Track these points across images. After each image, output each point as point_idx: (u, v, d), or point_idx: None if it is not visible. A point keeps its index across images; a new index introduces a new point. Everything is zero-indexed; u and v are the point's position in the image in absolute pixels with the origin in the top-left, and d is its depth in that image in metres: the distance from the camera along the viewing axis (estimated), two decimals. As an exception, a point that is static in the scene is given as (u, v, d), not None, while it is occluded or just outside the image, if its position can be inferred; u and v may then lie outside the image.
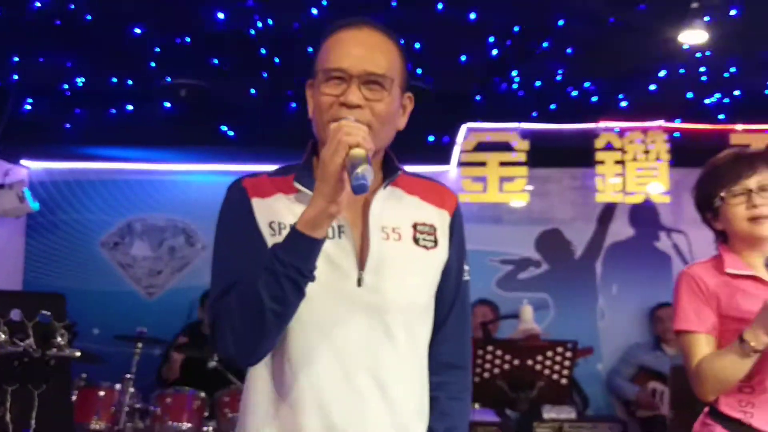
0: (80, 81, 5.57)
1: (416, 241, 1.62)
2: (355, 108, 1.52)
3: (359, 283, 1.55)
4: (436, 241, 1.64)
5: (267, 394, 1.57)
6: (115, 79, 5.56)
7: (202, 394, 4.73)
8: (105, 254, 6.27)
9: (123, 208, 6.32)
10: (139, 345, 4.74)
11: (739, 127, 5.83)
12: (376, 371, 1.55)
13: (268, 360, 1.57)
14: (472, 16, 4.53)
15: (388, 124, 1.59)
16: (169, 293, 6.21)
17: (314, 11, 4.53)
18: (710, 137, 5.87)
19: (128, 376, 4.54)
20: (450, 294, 1.68)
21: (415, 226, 1.63)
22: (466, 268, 1.72)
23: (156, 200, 6.32)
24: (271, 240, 1.55)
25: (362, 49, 1.56)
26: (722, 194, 2.15)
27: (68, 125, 5.93)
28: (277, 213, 1.58)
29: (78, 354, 3.10)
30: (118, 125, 5.92)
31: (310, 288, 1.48)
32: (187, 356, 5.16)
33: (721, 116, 5.88)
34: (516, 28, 4.69)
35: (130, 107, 5.85)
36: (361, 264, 1.56)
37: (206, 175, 6.30)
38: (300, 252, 1.45)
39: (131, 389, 4.50)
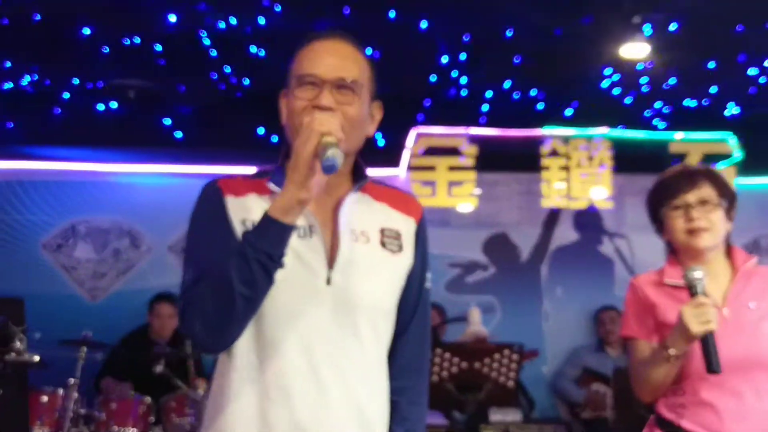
0: (25, 80, 5.45)
1: (383, 244, 1.67)
2: (327, 110, 1.58)
3: (328, 281, 1.59)
4: (401, 247, 1.70)
5: (235, 388, 1.60)
6: (61, 79, 5.45)
7: (148, 399, 4.67)
8: (47, 256, 6.13)
9: (66, 210, 6.17)
10: (84, 349, 4.66)
11: (678, 135, 6.03)
12: (342, 368, 1.60)
13: (238, 353, 1.60)
14: (424, 24, 4.58)
15: (358, 128, 1.64)
16: (114, 296, 6.10)
17: (265, 17, 4.53)
18: (651, 145, 6.06)
19: (72, 380, 4.46)
20: (412, 300, 1.73)
21: (382, 230, 1.68)
22: (428, 275, 1.79)
23: (101, 202, 6.18)
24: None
25: (334, 58, 1.63)
26: (667, 206, 2.26)
27: (11, 124, 5.80)
28: (251, 211, 1.62)
29: (37, 359, 3.04)
30: (63, 125, 5.81)
31: (280, 284, 1.53)
32: (132, 360, 5.09)
33: (662, 125, 6.08)
34: (466, 37, 4.76)
35: (74, 107, 5.75)
36: (330, 263, 1.60)
37: (152, 177, 6.20)
38: (270, 237, 1.50)
39: (75, 394, 4.42)
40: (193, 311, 1.54)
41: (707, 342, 2.05)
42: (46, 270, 6.07)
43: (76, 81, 5.54)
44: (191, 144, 6.00)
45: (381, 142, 5.85)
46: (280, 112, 1.69)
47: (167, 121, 5.89)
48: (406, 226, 1.72)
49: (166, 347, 5.19)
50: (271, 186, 1.64)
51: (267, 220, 1.50)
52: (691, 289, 2.11)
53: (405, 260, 1.70)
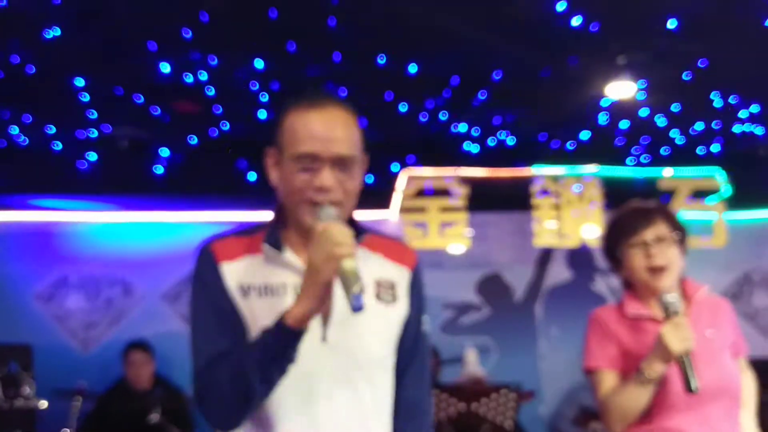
0: (15, 130, 5.47)
1: (378, 296, 1.70)
2: (329, 191, 1.61)
3: (323, 338, 1.63)
4: (395, 297, 1.72)
5: None
6: (51, 129, 5.48)
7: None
8: (40, 307, 6.08)
9: (58, 260, 6.15)
10: (79, 399, 4.62)
11: (667, 172, 6.10)
12: (342, 423, 1.63)
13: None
14: (413, 69, 4.65)
15: (355, 195, 1.68)
16: (106, 345, 6.04)
17: (259, 63, 4.58)
18: (640, 182, 6.12)
19: (66, 430, 4.42)
20: (409, 345, 1.76)
21: (377, 282, 1.71)
22: (425, 318, 1.81)
23: (92, 251, 6.17)
24: (242, 302, 1.64)
25: (330, 132, 1.62)
26: (625, 244, 2.28)
27: (1, 175, 5.80)
28: (247, 275, 1.66)
29: (45, 405, 3.04)
30: (53, 175, 5.82)
31: None
32: (126, 411, 5.02)
33: (649, 162, 6.16)
34: (455, 80, 4.83)
35: (65, 157, 5.77)
36: (325, 320, 1.63)
37: (142, 225, 6.20)
38: (288, 343, 1.55)
39: (69, 445, 4.38)
40: (211, 397, 1.61)
41: (685, 362, 2.09)
42: (38, 320, 6.02)
43: (65, 132, 5.55)
44: (182, 192, 6.01)
45: (372, 184, 5.88)
46: (266, 169, 1.70)
47: (158, 169, 5.91)
48: (400, 275, 1.75)
49: (157, 393, 5.12)
50: (266, 248, 1.67)
51: (284, 329, 1.54)
52: (668, 311, 2.15)
53: (400, 310, 1.73)
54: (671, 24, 4.12)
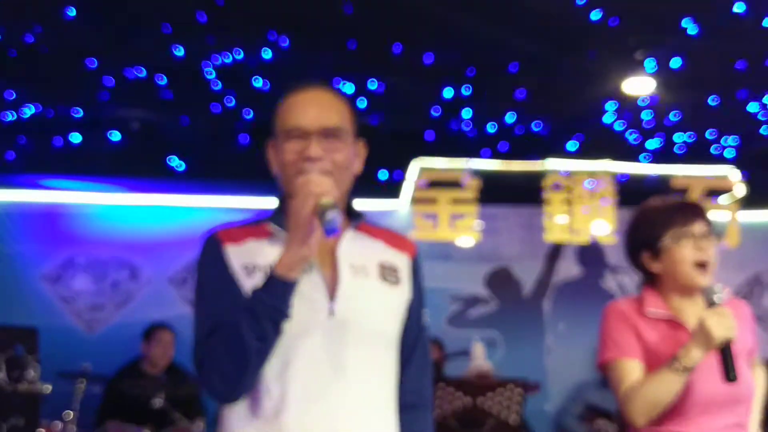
0: (28, 111, 5.46)
1: (383, 277, 1.74)
2: (317, 160, 1.66)
3: (330, 313, 1.64)
4: (399, 280, 1.76)
5: (245, 426, 1.63)
6: (63, 110, 5.47)
7: (148, 432, 4.63)
8: (46, 288, 6.09)
9: (66, 241, 6.15)
10: (83, 381, 4.62)
11: (680, 170, 6.05)
12: (350, 399, 1.63)
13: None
14: (428, 60, 4.62)
15: (346, 171, 1.73)
16: (112, 328, 6.05)
17: (271, 51, 4.56)
18: (653, 180, 6.07)
19: (70, 413, 4.42)
20: (412, 334, 1.79)
21: (380, 265, 1.75)
22: (425, 310, 1.86)
23: (100, 233, 6.17)
24: (246, 281, 1.66)
25: (317, 108, 1.71)
26: (673, 235, 2.21)
27: (11, 155, 5.79)
28: (251, 256, 1.69)
29: (49, 388, 3.03)
30: (65, 156, 5.81)
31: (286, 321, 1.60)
32: (130, 394, 5.03)
33: (663, 160, 6.10)
34: (471, 71, 4.79)
35: (76, 138, 5.76)
36: (332, 295, 1.66)
37: (152, 208, 6.20)
38: (278, 293, 1.58)
39: (74, 427, 4.38)
40: (210, 365, 1.61)
41: (726, 350, 2.06)
42: (44, 301, 6.03)
43: (78, 113, 5.54)
44: (192, 175, 6.00)
45: (384, 175, 5.86)
46: (268, 162, 1.76)
47: (169, 153, 5.90)
48: (401, 261, 1.80)
49: (163, 379, 5.14)
50: (273, 227, 1.72)
51: (273, 278, 1.58)
52: (711, 299, 2.11)
53: (403, 293, 1.77)
54: (689, 21, 4.08)
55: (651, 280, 2.29)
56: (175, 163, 5.95)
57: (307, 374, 1.61)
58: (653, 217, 2.27)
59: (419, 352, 1.80)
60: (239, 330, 1.56)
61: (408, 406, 1.76)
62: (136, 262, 6.17)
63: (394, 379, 1.74)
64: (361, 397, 1.65)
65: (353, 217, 1.77)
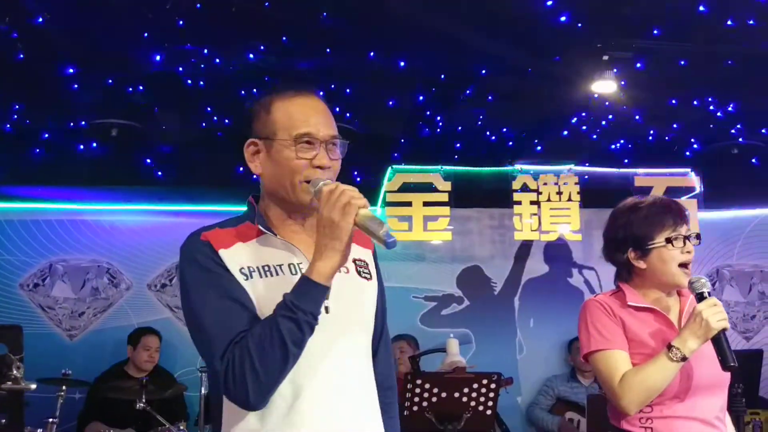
0: (5, 119, 5.47)
1: (359, 273, 1.85)
2: (326, 169, 1.74)
3: (326, 310, 1.70)
4: (371, 274, 1.89)
5: (257, 425, 1.68)
6: (39, 118, 5.48)
7: (133, 436, 4.68)
8: (24, 296, 6.09)
9: (44, 249, 6.15)
10: (64, 388, 4.64)
11: (642, 171, 6.26)
12: (351, 390, 1.75)
13: None
14: (400, 65, 4.75)
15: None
16: (92, 335, 6.07)
17: (251, 56, 4.64)
18: (616, 180, 6.28)
19: (51, 420, 4.42)
20: (380, 321, 1.93)
21: (354, 261, 1.85)
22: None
23: (79, 240, 6.18)
24: (246, 284, 1.69)
25: (323, 116, 1.78)
26: (665, 237, 2.32)
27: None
28: (245, 259, 1.72)
29: (33, 387, 3.04)
30: (42, 164, 5.82)
31: None
32: (114, 397, 5.07)
33: (626, 161, 6.31)
34: (442, 76, 4.93)
35: (54, 146, 5.77)
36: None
37: (130, 215, 6.24)
38: (316, 300, 1.63)
39: (55, 432, 4.39)
40: (242, 373, 1.59)
41: (721, 338, 2.18)
42: (23, 309, 6.02)
43: (54, 121, 5.56)
44: (170, 183, 6.05)
45: (358, 179, 5.97)
46: (246, 160, 1.79)
47: (147, 161, 5.94)
48: (367, 256, 1.93)
49: (147, 381, 5.19)
50: (263, 229, 1.75)
51: (312, 284, 1.61)
52: (701, 292, 2.25)
53: (374, 286, 1.90)
54: (654, 23, 4.24)
55: (628, 275, 2.41)
56: (153, 170, 6.00)
57: (315, 369, 1.68)
58: (644, 218, 2.35)
59: (384, 338, 1.95)
60: (282, 337, 1.57)
61: (383, 387, 1.89)
62: (115, 269, 6.20)
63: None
64: (360, 384, 1.77)
65: None
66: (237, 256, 1.71)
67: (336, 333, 1.73)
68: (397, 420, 1.96)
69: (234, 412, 1.68)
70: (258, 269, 1.70)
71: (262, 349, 1.58)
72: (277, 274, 1.72)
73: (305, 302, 1.60)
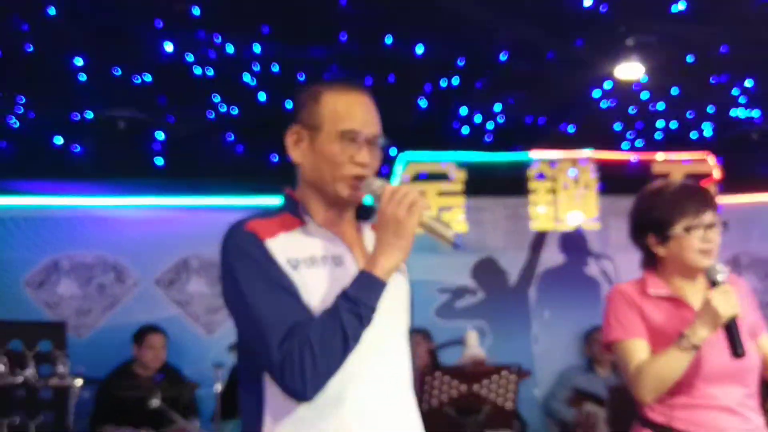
0: (10, 113, 5.36)
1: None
2: (368, 166, 1.76)
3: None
4: (403, 270, 1.89)
5: (301, 420, 1.67)
6: (45, 111, 5.37)
7: (148, 436, 4.60)
8: (30, 294, 5.96)
9: (49, 245, 6.01)
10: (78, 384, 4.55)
11: (660, 156, 6.17)
12: (396, 385, 1.76)
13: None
14: (419, 50, 4.64)
15: None
16: (100, 332, 5.95)
17: (259, 47, 4.53)
18: (634, 166, 6.19)
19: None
20: (411, 320, 1.92)
21: None
22: None
23: (84, 236, 6.04)
24: (293, 275, 1.68)
25: (370, 115, 1.80)
26: (685, 224, 2.27)
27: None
28: (290, 249, 1.72)
29: (80, 383, 2.98)
30: (46, 158, 5.70)
31: None
32: (125, 397, 4.97)
33: (644, 146, 6.22)
34: (460, 62, 4.83)
35: (57, 140, 5.66)
36: None
37: (137, 210, 6.11)
38: (377, 295, 1.66)
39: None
40: (300, 367, 1.60)
41: (733, 326, 2.15)
42: (28, 307, 5.89)
43: (60, 114, 5.45)
44: (177, 175, 5.93)
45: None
46: (288, 147, 1.80)
47: (153, 153, 5.83)
48: None
49: (158, 379, 5.10)
50: (309, 222, 1.77)
51: (373, 279, 1.65)
52: (714, 278, 2.20)
53: (407, 282, 1.91)
54: (678, 7, 4.16)
55: (651, 261, 2.38)
56: (160, 162, 5.88)
57: (360, 363, 1.68)
58: (666, 203, 2.32)
59: (410, 335, 1.93)
60: (344, 329, 1.60)
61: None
62: (122, 265, 6.08)
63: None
64: (402, 380, 1.78)
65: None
66: (282, 247, 1.71)
67: (379, 329, 1.71)
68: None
69: (279, 406, 1.67)
70: (304, 260, 1.71)
71: (323, 340, 1.60)
72: (323, 264, 1.73)
73: (367, 296, 1.63)
